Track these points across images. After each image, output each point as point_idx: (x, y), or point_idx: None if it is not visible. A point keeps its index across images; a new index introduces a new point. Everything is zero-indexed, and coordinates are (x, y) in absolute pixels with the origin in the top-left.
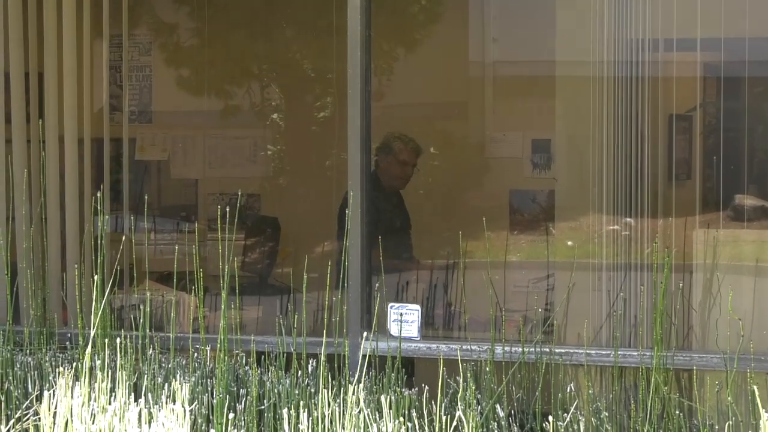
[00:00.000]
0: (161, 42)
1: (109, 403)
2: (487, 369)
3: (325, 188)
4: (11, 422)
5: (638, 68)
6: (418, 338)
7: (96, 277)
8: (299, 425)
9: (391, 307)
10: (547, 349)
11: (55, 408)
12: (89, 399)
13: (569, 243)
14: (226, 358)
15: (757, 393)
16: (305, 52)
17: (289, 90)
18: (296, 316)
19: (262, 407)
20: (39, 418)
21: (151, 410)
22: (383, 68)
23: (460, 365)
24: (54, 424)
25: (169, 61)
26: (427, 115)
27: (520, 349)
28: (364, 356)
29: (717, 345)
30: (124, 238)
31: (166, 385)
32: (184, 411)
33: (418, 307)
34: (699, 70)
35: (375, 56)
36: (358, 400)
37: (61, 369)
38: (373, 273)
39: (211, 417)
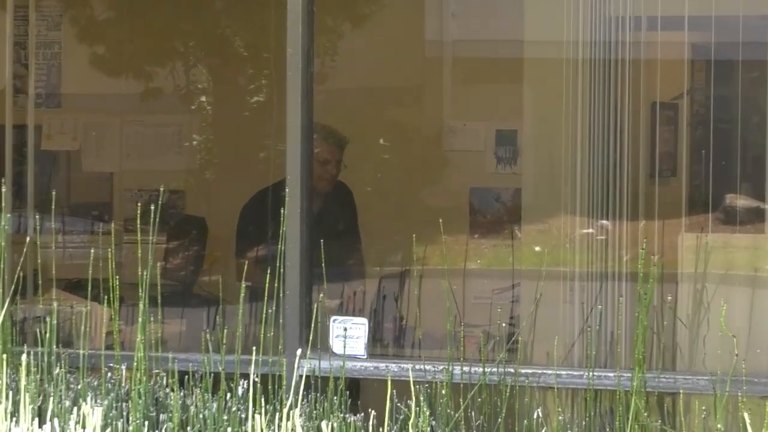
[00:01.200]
0: (72, 15)
1: (10, 430)
2: (443, 392)
3: (259, 184)
4: None
5: (618, 50)
6: (365, 356)
7: None
8: None
9: (334, 321)
10: (512, 370)
11: None
12: None
13: (537, 249)
14: (143, 378)
15: (748, 420)
16: (238, 28)
17: (219, 71)
18: (225, 330)
19: None
20: None
21: None
22: (327, 47)
23: (412, 387)
24: None
25: (81, 37)
26: (376, 101)
27: (481, 370)
28: (302, 377)
29: (704, 365)
30: (28, 239)
31: (75, 408)
32: None
33: (365, 320)
34: (686, 52)
35: (318, 33)
36: (295, 427)
37: None
38: (314, 282)
39: None
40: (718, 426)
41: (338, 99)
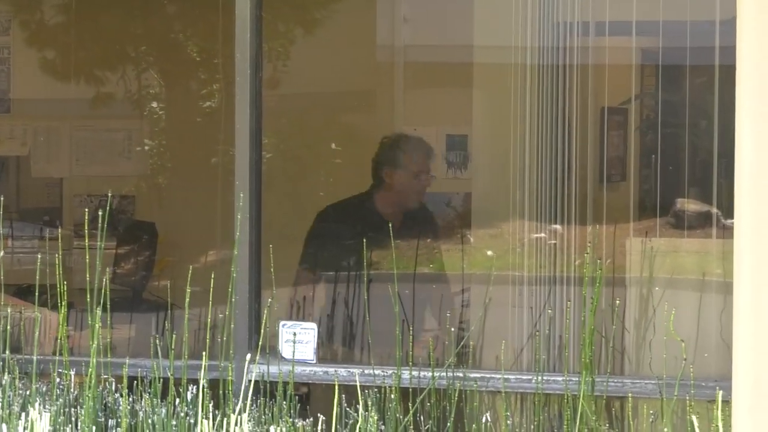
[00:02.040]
0: (22, 19)
1: None
2: (392, 396)
3: (210, 189)
4: None
5: (566, 55)
6: (314, 361)
7: None
8: None
9: (284, 326)
10: (461, 374)
11: None
12: None
13: (489, 253)
14: (93, 384)
15: (696, 424)
16: (189, 33)
17: (170, 76)
18: (174, 335)
19: None
20: None
21: None
22: (279, 52)
23: (360, 392)
24: None
25: (30, 41)
26: (328, 105)
27: (430, 374)
28: (251, 382)
29: (651, 369)
30: None
31: (24, 414)
32: None
33: (314, 325)
34: (634, 57)
35: (269, 38)
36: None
37: None
38: (263, 287)
39: None
40: (665, 430)
41: (290, 103)
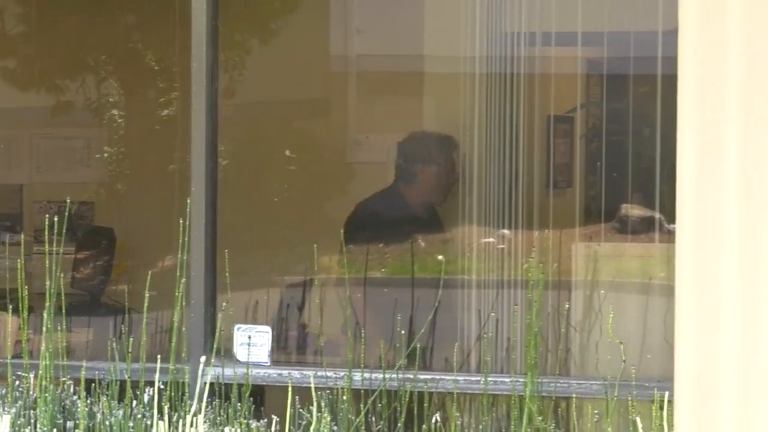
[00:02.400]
0: None
1: None
2: (344, 398)
3: (166, 196)
4: None
5: (513, 64)
6: (268, 364)
7: None
8: None
9: (238, 329)
10: (411, 376)
11: None
12: None
13: (440, 257)
14: (51, 386)
15: (639, 423)
16: (147, 43)
17: (128, 84)
18: (131, 339)
19: None
20: None
21: None
22: (235, 62)
23: (314, 393)
24: None
25: None
26: (283, 114)
27: (381, 376)
28: (207, 384)
29: (597, 370)
30: None
31: None
32: None
33: (268, 328)
34: (580, 66)
35: (225, 48)
36: None
37: None
38: (218, 291)
39: None
40: (609, 430)
41: (246, 112)
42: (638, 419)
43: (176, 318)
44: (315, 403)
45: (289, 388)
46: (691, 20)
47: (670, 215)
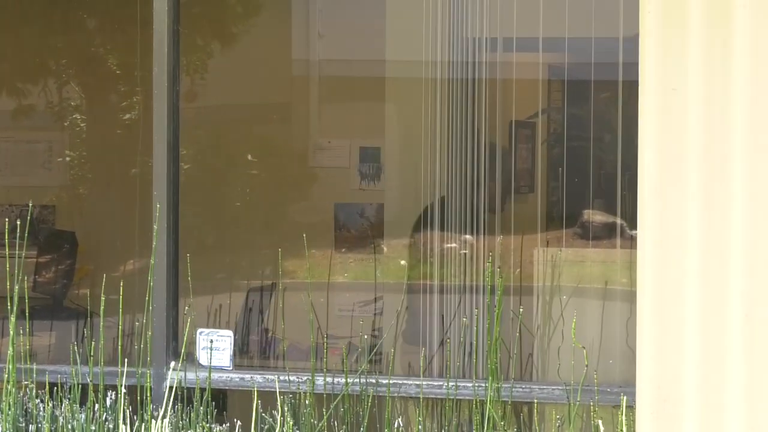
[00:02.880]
0: None
1: None
2: (307, 402)
3: (128, 199)
4: None
5: (475, 69)
6: (231, 368)
7: None
8: None
9: (200, 333)
10: (374, 380)
11: None
12: None
13: (402, 262)
14: (13, 389)
15: (602, 428)
16: (109, 47)
17: (91, 88)
18: (93, 342)
19: None
20: None
21: None
22: (197, 65)
23: (278, 397)
24: None
25: None
26: (245, 118)
27: (344, 380)
28: (169, 388)
29: (559, 376)
30: None
31: None
32: None
33: (230, 333)
34: (541, 72)
35: (187, 52)
36: None
37: None
38: (181, 295)
39: None
40: None
41: (208, 115)
42: (600, 423)
43: (138, 322)
44: (279, 408)
45: (254, 393)
46: (652, 25)
47: (632, 221)
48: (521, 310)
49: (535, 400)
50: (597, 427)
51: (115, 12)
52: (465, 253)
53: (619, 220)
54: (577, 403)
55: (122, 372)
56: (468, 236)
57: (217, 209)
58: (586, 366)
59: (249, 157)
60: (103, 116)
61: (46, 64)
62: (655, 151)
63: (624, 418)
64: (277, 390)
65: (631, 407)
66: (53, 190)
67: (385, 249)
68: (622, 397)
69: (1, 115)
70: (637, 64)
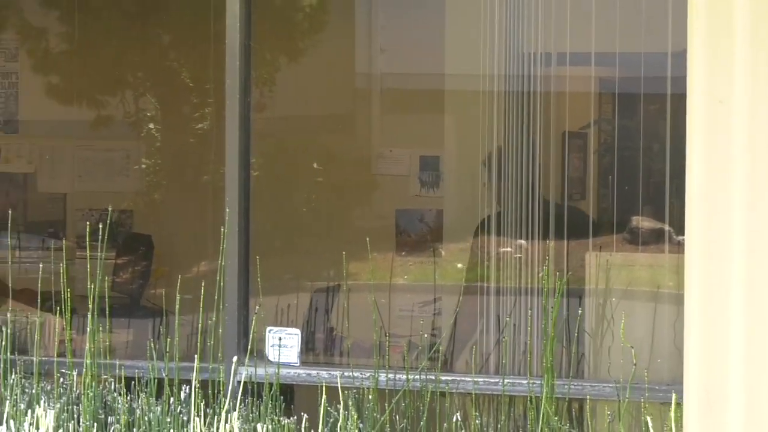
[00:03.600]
0: (29, 48)
1: None
2: (370, 397)
3: (201, 204)
4: None
5: (530, 83)
6: (298, 364)
7: None
8: None
9: (270, 331)
10: (433, 377)
11: None
12: None
13: (459, 265)
14: (93, 383)
15: (650, 424)
16: (183, 61)
17: (165, 100)
18: (169, 339)
19: None
20: None
21: None
22: (265, 78)
23: (341, 393)
24: None
25: (37, 67)
26: (310, 128)
27: (405, 377)
28: (240, 382)
29: (609, 374)
30: None
31: (30, 411)
32: None
33: (297, 331)
34: (593, 85)
35: (256, 66)
36: (233, 429)
37: None
38: (251, 295)
39: None
40: (621, 430)
41: (276, 126)
42: (649, 419)
43: (211, 320)
44: (343, 402)
45: (320, 388)
46: (699, 40)
47: (679, 227)
48: (579, 312)
49: (588, 397)
50: (646, 423)
51: (189, 28)
52: (519, 257)
53: (666, 227)
54: (627, 399)
55: (196, 367)
56: (522, 241)
57: (284, 215)
58: (635, 364)
59: (314, 165)
60: (177, 126)
61: (123, 77)
62: (702, 160)
63: (673, 414)
64: (341, 385)
65: (678, 404)
66: (130, 196)
67: (443, 253)
68: (672, 394)
69: (82, 125)
70: (684, 77)
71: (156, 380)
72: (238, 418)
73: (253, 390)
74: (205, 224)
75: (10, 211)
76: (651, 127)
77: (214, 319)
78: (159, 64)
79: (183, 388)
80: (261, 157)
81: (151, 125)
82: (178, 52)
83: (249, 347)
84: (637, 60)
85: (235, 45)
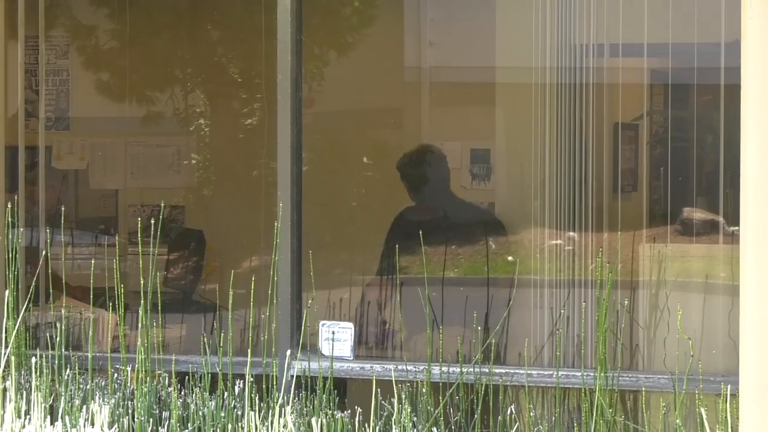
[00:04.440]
0: (79, 45)
1: (23, 427)
2: (424, 390)
3: (252, 200)
4: None
5: (582, 74)
6: (351, 358)
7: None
8: None
9: (323, 325)
10: (487, 370)
11: None
12: (2, 422)
13: (509, 258)
14: (147, 378)
15: (705, 416)
16: (232, 56)
17: (215, 95)
18: (222, 334)
19: (186, 431)
20: None
21: None
22: (314, 73)
23: (395, 386)
24: None
25: (87, 64)
26: (360, 122)
27: (458, 370)
28: (293, 377)
29: (665, 365)
30: (45, 251)
31: (84, 407)
32: None
33: (351, 325)
34: (646, 76)
35: (305, 60)
36: (287, 423)
37: None
38: (304, 289)
39: None
40: (677, 421)
41: (325, 121)
42: (703, 411)
43: (263, 315)
44: (396, 396)
45: (374, 381)
46: (753, 30)
47: (733, 218)
48: (626, 302)
49: (643, 389)
50: (701, 415)
51: (240, 23)
52: (570, 250)
53: (720, 218)
54: (684, 391)
55: (249, 362)
56: (572, 233)
57: (334, 209)
58: (692, 356)
59: (364, 159)
60: (228, 121)
61: (173, 74)
62: (757, 150)
63: (728, 406)
64: (395, 379)
65: (734, 395)
66: (182, 192)
67: (494, 246)
68: (725, 386)
69: (132, 122)
70: (738, 68)
71: (210, 375)
72: (292, 413)
73: (307, 384)
74: (256, 219)
75: (63, 208)
76: (704, 118)
77: (267, 313)
78: (208, 59)
79: (237, 382)
80: (310, 151)
81: (201, 121)
82: (227, 47)
83: (302, 341)
84: (689, 51)
85: (286, 40)
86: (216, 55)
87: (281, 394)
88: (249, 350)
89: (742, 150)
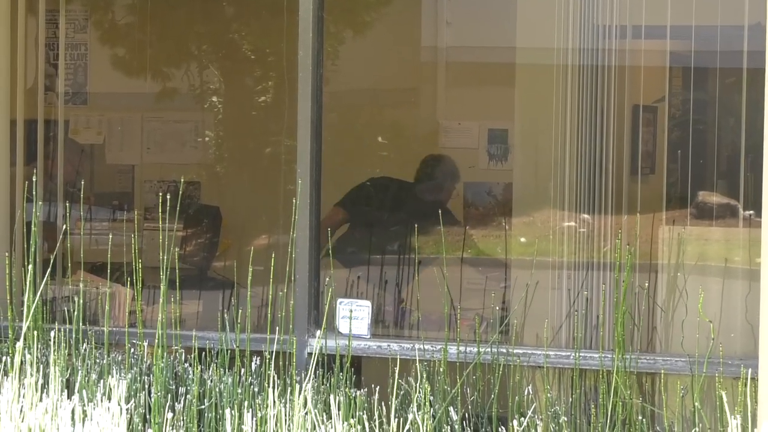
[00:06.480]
0: (97, 19)
1: (40, 400)
2: (441, 370)
3: (269, 176)
4: None
5: (603, 56)
6: (368, 336)
7: (30, 267)
8: (242, 426)
9: (341, 303)
10: (504, 350)
11: None
12: (19, 395)
13: (522, 240)
14: (164, 354)
15: (725, 399)
16: (247, 33)
17: (230, 73)
18: (240, 311)
19: (203, 407)
20: None
21: (85, 408)
22: (330, 52)
23: (414, 365)
24: None
25: (105, 39)
26: (376, 102)
27: (476, 350)
28: (311, 354)
29: (682, 347)
30: (64, 226)
31: (101, 381)
32: (120, 409)
33: (368, 303)
34: (667, 59)
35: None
36: (306, 400)
37: None
38: (321, 267)
39: (148, 416)
40: (696, 404)
41: (341, 100)
42: (723, 394)
43: (280, 292)
44: (414, 375)
45: (392, 360)
46: None
47: (754, 202)
48: (646, 284)
49: (662, 371)
50: (720, 398)
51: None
52: (583, 232)
53: (739, 202)
54: (704, 374)
55: (267, 339)
56: (586, 215)
57: (350, 188)
58: (713, 339)
59: (379, 139)
60: (244, 99)
61: (189, 50)
62: None
63: (747, 389)
64: (413, 358)
65: (753, 379)
66: (197, 168)
67: (511, 226)
68: (744, 369)
69: (149, 97)
70: (762, 51)
71: (227, 351)
72: (311, 390)
73: (324, 362)
74: (272, 196)
75: (82, 182)
76: (726, 101)
77: (285, 290)
78: (224, 36)
79: (254, 359)
80: (326, 130)
81: (216, 97)
82: (242, 24)
83: (320, 319)
84: (712, 33)
85: (308, 17)
86: (232, 32)
87: (300, 372)
88: (267, 326)
89: (766, 133)
